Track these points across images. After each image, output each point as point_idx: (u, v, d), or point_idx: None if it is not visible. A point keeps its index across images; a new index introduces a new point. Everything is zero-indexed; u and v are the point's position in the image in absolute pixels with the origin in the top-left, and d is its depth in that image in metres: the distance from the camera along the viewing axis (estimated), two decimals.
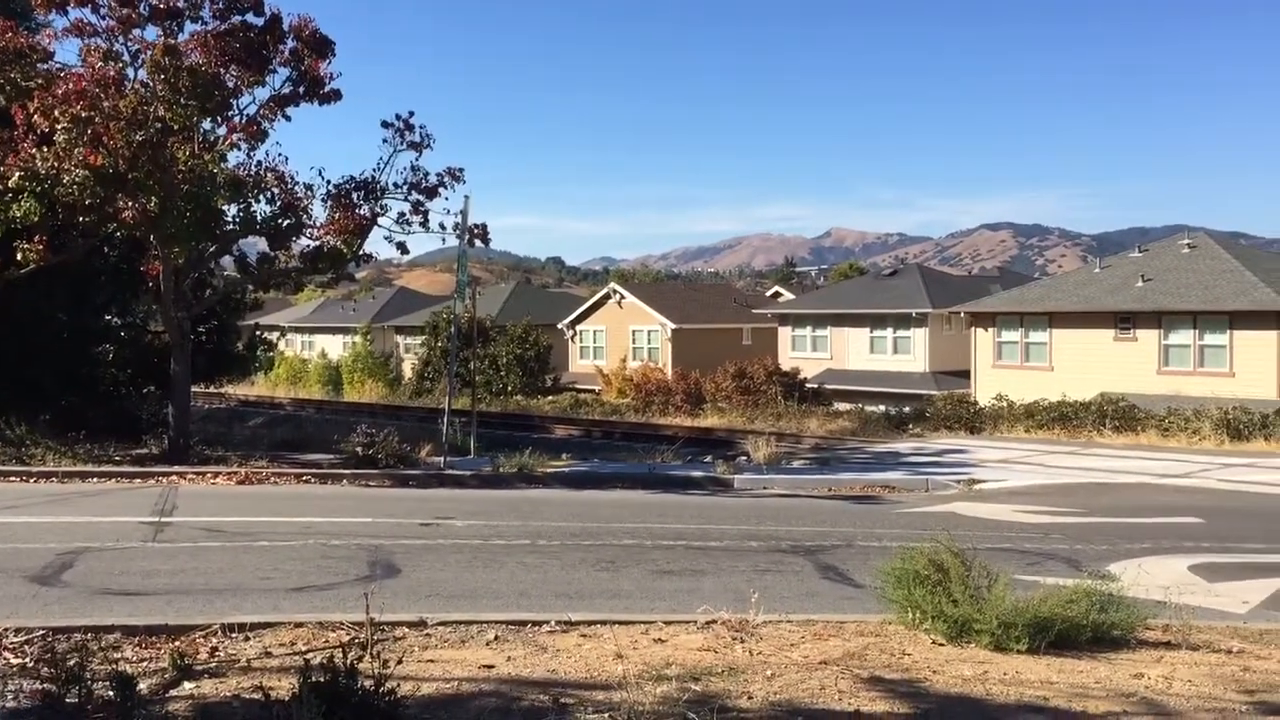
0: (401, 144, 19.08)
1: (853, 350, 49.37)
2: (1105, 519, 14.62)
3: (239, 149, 18.33)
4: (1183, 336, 36.25)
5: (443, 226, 19.56)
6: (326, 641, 6.95)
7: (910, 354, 47.48)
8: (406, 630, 7.29)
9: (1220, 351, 35.41)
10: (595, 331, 61.11)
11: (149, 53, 17.07)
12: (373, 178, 19.14)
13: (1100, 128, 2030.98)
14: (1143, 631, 7.50)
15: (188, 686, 5.88)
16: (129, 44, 17.70)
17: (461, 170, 19.36)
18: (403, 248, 19.85)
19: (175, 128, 16.84)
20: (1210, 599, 9.25)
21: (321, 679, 4.96)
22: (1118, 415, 28.04)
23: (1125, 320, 37.56)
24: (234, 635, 7.04)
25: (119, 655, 6.57)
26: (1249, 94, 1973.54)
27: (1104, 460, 21.82)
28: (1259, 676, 6.59)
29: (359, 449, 18.37)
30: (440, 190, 19.30)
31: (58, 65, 17.50)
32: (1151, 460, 21.75)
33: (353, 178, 19.12)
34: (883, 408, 36.54)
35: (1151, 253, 42.54)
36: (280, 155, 18.54)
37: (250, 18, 17.96)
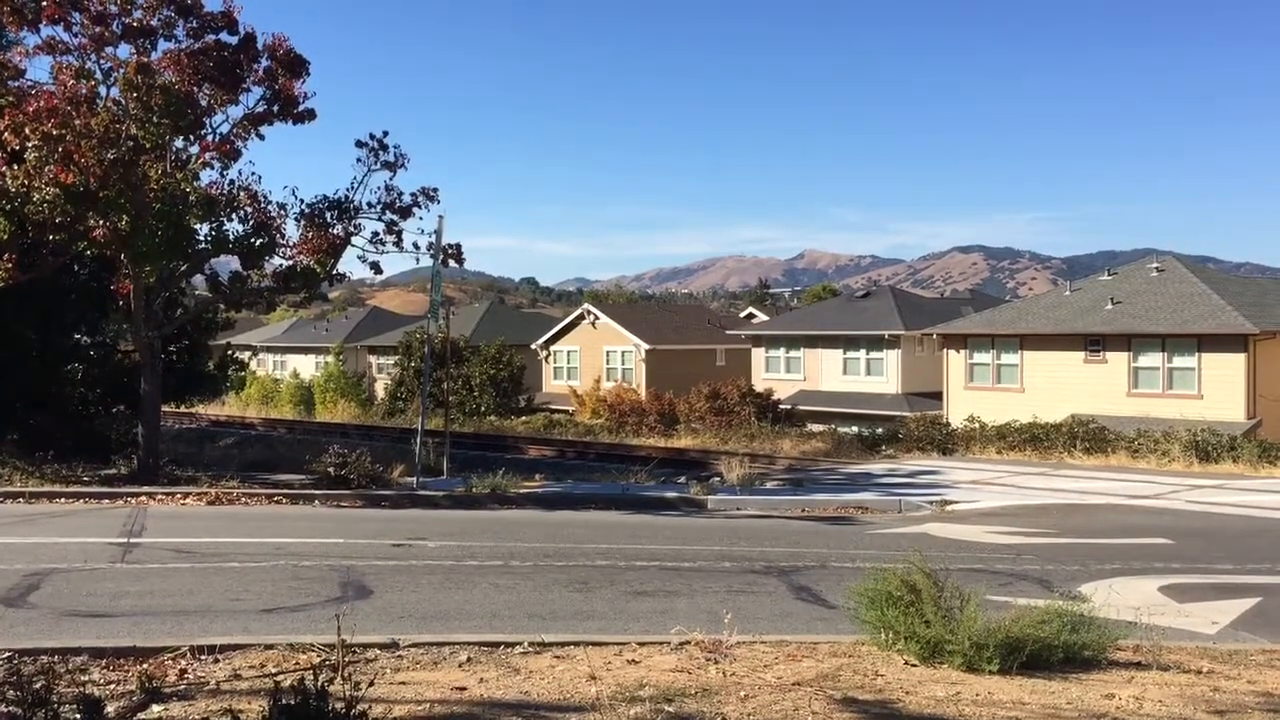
0: (375, 163, 19.06)
1: (826, 371, 49.55)
2: (1076, 540, 14.70)
3: (212, 168, 18.27)
4: (1152, 359, 36.59)
5: (416, 246, 19.54)
6: (297, 663, 6.90)
7: (883, 375, 47.71)
8: (378, 652, 7.24)
9: (1189, 374, 35.76)
10: (569, 352, 61.09)
11: (122, 71, 16.99)
12: (346, 197, 19.10)
13: (1070, 151, 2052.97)
14: (1114, 652, 7.54)
15: (156, 709, 5.82)
16: (101, 62, 17.61)
17: (436, 190, 19.37)
18: (376, 267, 19.82)
19: (147, 146, 16.76)
20: (1180, 619, 9.31)
21: (292, 701, 4.92)
22: (1088, 437, 28.23)
23: (1095, 343, 37.90)
24: (203, 657, 6.98)
25: (86, 678, 6.50)
26: (1218, 121, 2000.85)
27: (1075, 481, 21.95)
28: (1228, 697, 6.63)
29: (331, 469, 18.25)
30: (414, 210, 19.29)
31: (29, 83, 17.40)
32: (1121, 481, 21.89)
33: (326, 197, 19.08)
34: (856, 429, 36.67)
35: (1121, 276, 42.96)
36: (253, 174, 18.60)
37: (224, 36, 17.91)
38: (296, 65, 18.34)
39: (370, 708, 5.29)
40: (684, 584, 10.56)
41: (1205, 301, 36.99)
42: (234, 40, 17.94)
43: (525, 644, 7.57)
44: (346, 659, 6.63)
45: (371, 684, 6.05)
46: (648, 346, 56.81)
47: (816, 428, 38.35)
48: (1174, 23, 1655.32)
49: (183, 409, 35.77)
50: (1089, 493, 20.14)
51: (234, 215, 18.26)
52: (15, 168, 16.07)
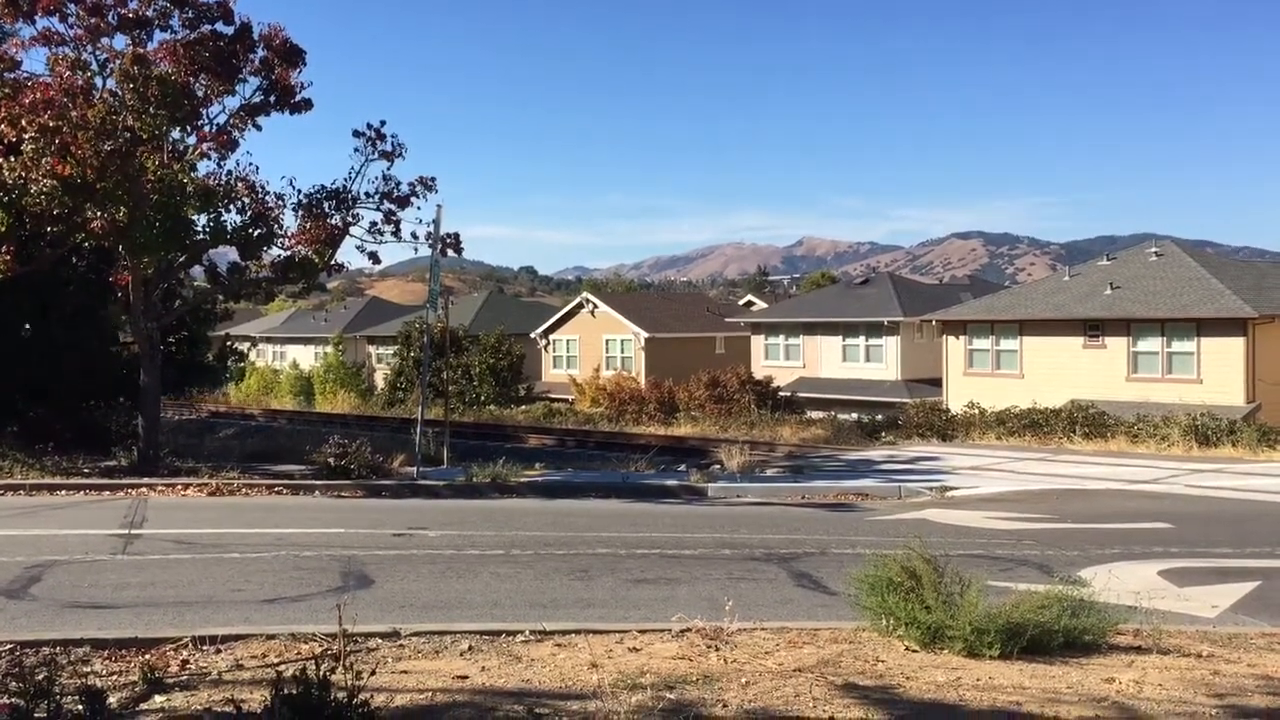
0: (373, 153, 19.02)
1: (825, 359, 49.54)
2: (1076, 525, 14.72)
3: (209, 158, 18.22)
4: (1151, 344, 36.58)
5: (415, 236, 19.52)
6: (299, 653, 6.91)
7: (882, 362, 47.69)
8: (380, 641, 7.25)
9: (1188, 358, 35.75)
10: (568, 341, 61.05)
11: (118, 62, 16.94)
12: (344, 187, 19.07)
13: (1068, 136, 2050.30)
14: (1114, 636, 7.55)
15: (158, 700, 5.83)
16: (97, 53, 17.57)
17: (434, 179, 19.32)
18: (374, 257, 19.79)
19: (144, 137, 16.72)
20: (1180, 604, 9.33)
21: (294, 691, 4.93)
22: (1088, 422, 28.26)
23: (1094, 328, 37.88)
24: (205, 648, 6.98)
25: (88, 669, 6.51)
26: (1216, 105, 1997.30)
27: (1074, 467, 21.98)
28: (1228, 680, 6.65)
29: (331, 459, 18.26)
30: (412, 199, 19.25)
31: (25, 74, 17.33)
32: (1121, 466, 21.92)
33: (324, 187, 19.03)
34: (855, 416, 36.68)
35: (1120, 261, 42.92)
36: (251, 164, 18.44)
37: (220, 27, 17.86)
38: (293, 55, 18.30)
39: (372, 697, 5.30)
40: (684, 571, 10.58)
41: (1204, 286, 36.96)
42: (230, 30, 17.89)
43: (526, 632, 7.59)
44: (348, 648, 6.64)
45: (373, 673, 6.06)
46: (647, 335, 56.78)
47: (816, 415, 38.36)
48: (1171, 7, 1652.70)
49: (182, 400, 35.82)
50: (1089, 478, 20.16)
51: (232, 206, 18.22)
52: (12, 160, 16.02)
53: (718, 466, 21.33)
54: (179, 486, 16.78)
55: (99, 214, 16.54)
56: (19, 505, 14.90)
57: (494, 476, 18.29)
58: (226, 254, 19.89)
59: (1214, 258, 46.96)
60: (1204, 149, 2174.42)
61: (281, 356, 79.83)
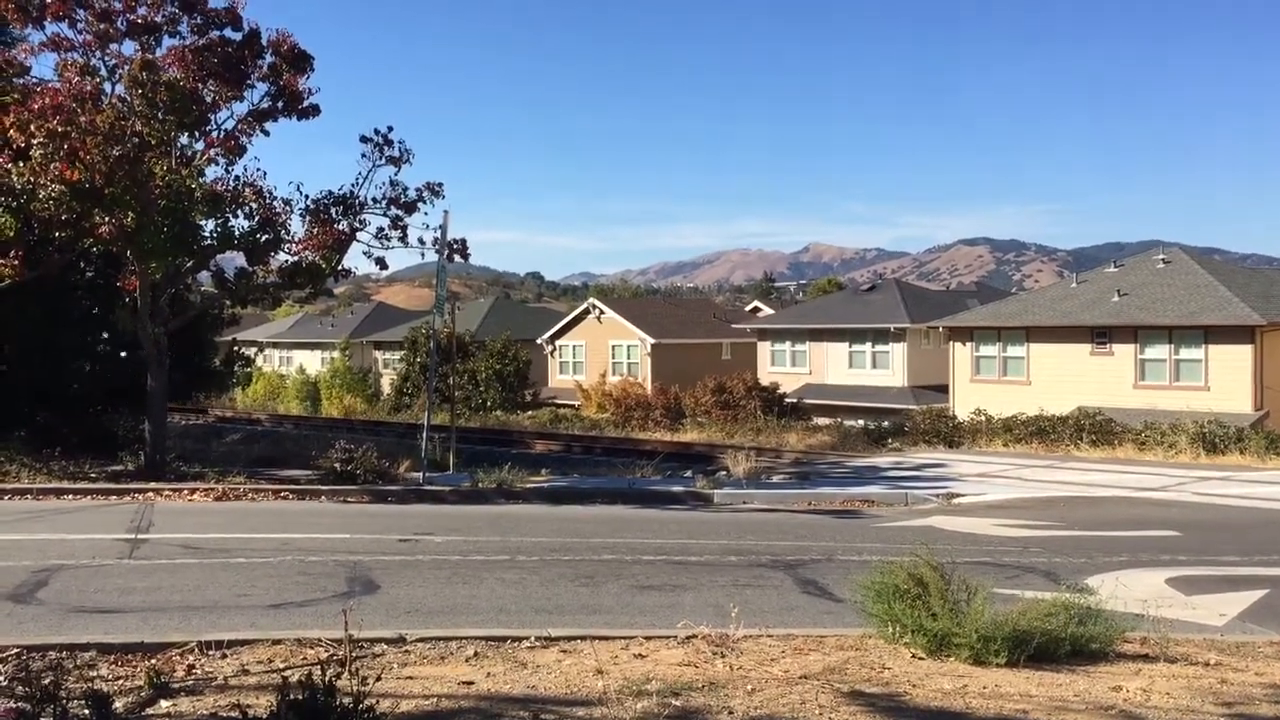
0: (380, 159, 19.06)
1: (832, 365, 49.53)
2: (1083, 532, 14.69)
3: (217, 164, 18.29)
4: (1159, 351, 36.53)
5: (422, 241, 19.55)
6: (305, 659, 6.91)
7: (889, 369, 47.67)
8: (385, 647, 7.25)
9: (1196, 366, 35.69)
10: (575, 347, 61.11)
11: (127, 67, 17.02)
12: (351, 193, 19.10)
13: (1075, 143, 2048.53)
14: (1121, 644, 7.53)
15: (165, 705, 5.84)
16: (106, 59, 17.64)
17: (440, 185, 19.36)
18: (381, 263, 19.81)
19: (153, 143, 16.78)
20: (1187, 612, 9.30)
21: (300, 697, 4.93)
22: (1095, 429, 28.20)
23: (1102, 335, 37.84)
24: (211, 653, 6.99)
25: (95, 674, 6.51)
26: (1222, 110, 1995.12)
27: (1081, 474, 21.92)
28: (1236, 689, 6.63)
29: (337, 465, 18.27)
30: (419, 205, 19.28)
31: (34, 80, 17.44)
32: (1129, 474, 21.86)
33: (331, 193, 19.07)
34: (862, 422, 36.62)
35: (1127, 268, 42.89)
36: (258, 170, 18.48)
37: (228, 33, 17.93)
38: (300, 61, 18.36)
39: (378, 702, 5.30)
40: (690, 578, 10.57)
41: (1212, 293, 36.91)
42: (238, 36, 17.97)
43: (532, 638, 7.58)
44: (354, 654, 6.63)
45: (379, 679, 6.05)
46: (653, 341, 56.80)
47: (822, 421, 38.34)
48: (1176, 13, 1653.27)
49: (189, 405, 35.87)
50: (1096, 485, 20.12)
51: (239, 211, 18.26)
52: (21, 165, 16.08)
53: (724, 473, 21.29)
54: (185, 491, 16.81)
55: (107, 219, 16.59)
56: (26, 509, 14.93)
57: (500, 482, 18.28)
58: (234, 259, 19.95)
59: (1221, 265, 46.90)
60: (1212, 156, 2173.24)
61: (288, 361, 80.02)
